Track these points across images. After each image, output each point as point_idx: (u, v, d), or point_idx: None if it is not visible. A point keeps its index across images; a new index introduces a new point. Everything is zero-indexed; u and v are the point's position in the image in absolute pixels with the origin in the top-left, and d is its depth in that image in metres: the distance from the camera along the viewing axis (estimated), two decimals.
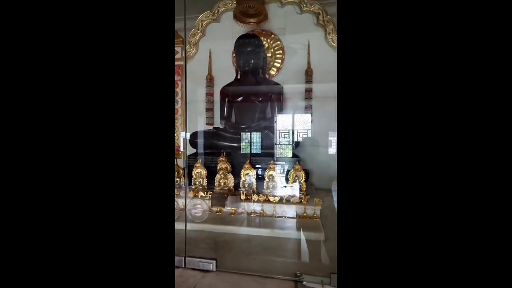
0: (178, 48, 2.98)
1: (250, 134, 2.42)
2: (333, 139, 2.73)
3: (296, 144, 2.57)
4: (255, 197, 1.94)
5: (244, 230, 1.67)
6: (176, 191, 2.15)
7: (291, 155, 2.38)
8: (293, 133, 2.60)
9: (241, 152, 2.34)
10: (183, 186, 2.26)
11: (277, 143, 2.49)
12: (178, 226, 1.54)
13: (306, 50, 2.94)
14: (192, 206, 1.47)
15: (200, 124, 3.01)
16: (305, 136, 2.63)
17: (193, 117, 3.04)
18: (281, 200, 1.92)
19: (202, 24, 3.18)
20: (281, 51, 3.07)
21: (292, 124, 2.67)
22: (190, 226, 1.64)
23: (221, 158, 2.17)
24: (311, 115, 2.76)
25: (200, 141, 2.50)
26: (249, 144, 2.37)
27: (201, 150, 2.50)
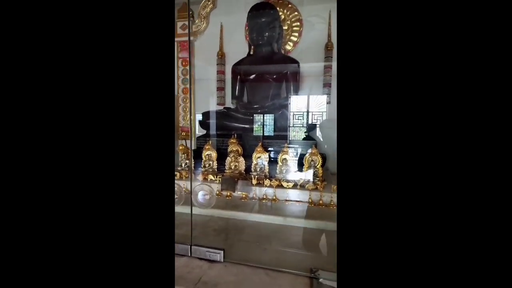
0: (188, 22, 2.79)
1: (263, 115, 2.26)
2: None
3: (311, 127, 2.38)
4: (267, 181, 1.82)
5: (255, 217, 1.57)
6: (185, 174, 2.07)
7: (307, 138, 2.22)
8: (307, 114, 2.41)
9: (253, 134, 2.20)
10: (193, 168, 2.18)
11: (291, 125, 2.32)
12: (184, 210, 1.46)
13: (326, 22, 2.64)
14: (198, 191, 1.37)
15: (212, 105, 2.87)
16: (320, 118, 2.42)
17: (205, 97, 2.89)
18: (295, 186, 1.79)
19: None
20: (298, 23, 2.79)
21: (307, 105, 2.46)
22: (198, 211, 1.56)
23: (232, 140, 2.04)
24: (327, 95, 2.52)
25: (211, 122, 2.37)
26: (261, 126, 2.22)
27: (211, 131, 2.39)
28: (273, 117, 2.26)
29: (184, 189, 1.61)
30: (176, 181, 1.81)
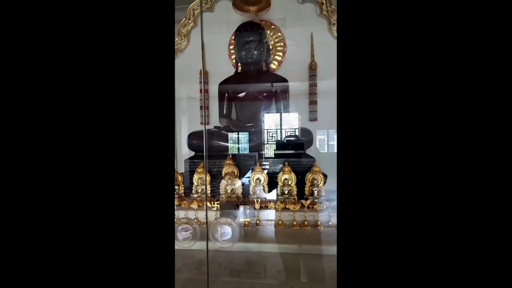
0: None
1: (238, 133, 2.17)
2: (324, 137, 2.58)
3: (303, 143, 2.31)
4: (271, 205, 1.68)
5: (267, 247, 1.40)
6: (177, 202, 1.83)
7: (304, 156, 2.15)
8: (281, 131, 2.33)
9: (250, 153, 2.07)
10: (182, 194, 1.95)
11: (283, 140, 2.23)
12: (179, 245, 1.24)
13: (308, 42, 2.72)
14: (218, 227, 1.16)
15: (184, 124, 2.71)
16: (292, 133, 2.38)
17: (179, 117, 2.71)
18: (302, 207, 1.68)
19: (193, 13, 2.86)
20: (282, 44, 2.83)
21: (280, 123, 2.41)
22: (199, 246, 1.34)
23: (228, 162, 1.88)
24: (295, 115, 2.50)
25: (199, 142, 2.19)
26: (236, 143, 2.12)
27: (200, 153, 2.20)
28: (247, 134, 2.18)
29: (193, 220, 1.36)
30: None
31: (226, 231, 1.16)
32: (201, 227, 1.19)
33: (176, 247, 1.25)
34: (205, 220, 1.67)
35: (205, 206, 1.76)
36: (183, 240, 1.19)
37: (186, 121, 2.79)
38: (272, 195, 1.82)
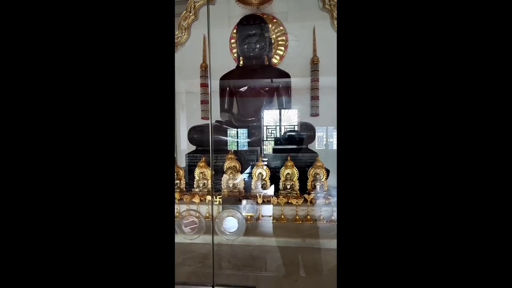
0: None
1: (237, 130, 2.15)
2: (322, 133, 2.58)
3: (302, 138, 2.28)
4: (274, 199, 1.67)
5: (270, 241, 1.40)
6: (177, 196, 1.81)
7: (308, 151, 2.14)
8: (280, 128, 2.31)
9: (252, 147, 2.06)
10: (184, 189, 1.93)
11: (286, 135, 2.21)
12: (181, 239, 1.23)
13: (310, 36, 2.70)
14: (224, 220, 1.15)
15: (183, 119, 2.70)
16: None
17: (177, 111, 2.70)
18: (305, 202, 1.67)
19: (194, 6, 2.81)
20: (284, 38, 2.80)
21: (279, 119, 2.38)
22: (201, 239, 1.33)
23: (230, 156, 1.87)
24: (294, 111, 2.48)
25: (200, 137, 2.17)
26: (235, 139, 2.10)
27: (201, 147, 2.18)
28: (249, 129, 2.16)
29: (197, 214, 1.34)
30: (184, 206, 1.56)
31: (232, 223, 1.15)
32: (206, 220, 1.18)
33: (182, 240, 1.24)
34: (206, 215, 1.67)
35: (210, 200, 1.75)
36: (188, 233, 1.18)
37: (185, 116, 2.78)
38: (271, 190, 1.81)
